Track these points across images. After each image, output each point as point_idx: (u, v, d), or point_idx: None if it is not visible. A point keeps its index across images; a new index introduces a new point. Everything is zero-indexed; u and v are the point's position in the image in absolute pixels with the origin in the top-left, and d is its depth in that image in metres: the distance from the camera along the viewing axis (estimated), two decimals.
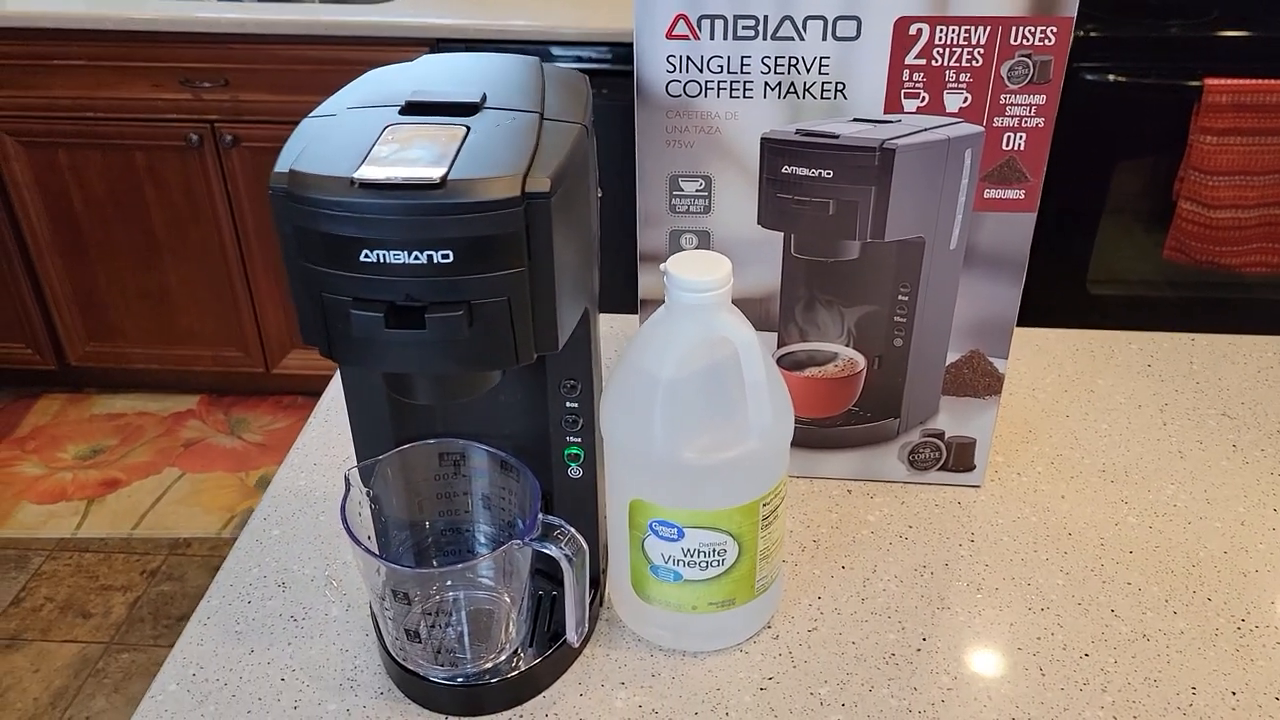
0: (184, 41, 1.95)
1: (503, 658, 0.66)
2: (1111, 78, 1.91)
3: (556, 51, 1.91)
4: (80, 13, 1.93)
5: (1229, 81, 1.84)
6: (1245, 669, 0.68)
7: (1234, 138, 1.88)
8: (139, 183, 2.11)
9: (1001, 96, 0.69)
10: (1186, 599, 0.73)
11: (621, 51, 1.90)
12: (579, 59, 1.91)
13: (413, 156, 0.51)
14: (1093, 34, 1.89)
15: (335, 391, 0.95)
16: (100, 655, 1.82)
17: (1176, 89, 1.91)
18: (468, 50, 1.36)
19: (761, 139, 0.71)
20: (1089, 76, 1.91)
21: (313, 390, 2.39)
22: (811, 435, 0.83)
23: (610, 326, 1.03)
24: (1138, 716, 0.64)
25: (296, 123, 0.56)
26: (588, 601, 0.65)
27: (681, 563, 0.66)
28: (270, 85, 1.98)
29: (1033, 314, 2.21)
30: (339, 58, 1.94)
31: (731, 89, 0.70)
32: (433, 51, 1.89)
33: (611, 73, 1.91)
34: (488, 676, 0.66)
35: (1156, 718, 0.64)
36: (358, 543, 0.60)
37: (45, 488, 2.20)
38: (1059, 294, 2.12)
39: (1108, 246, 2.08)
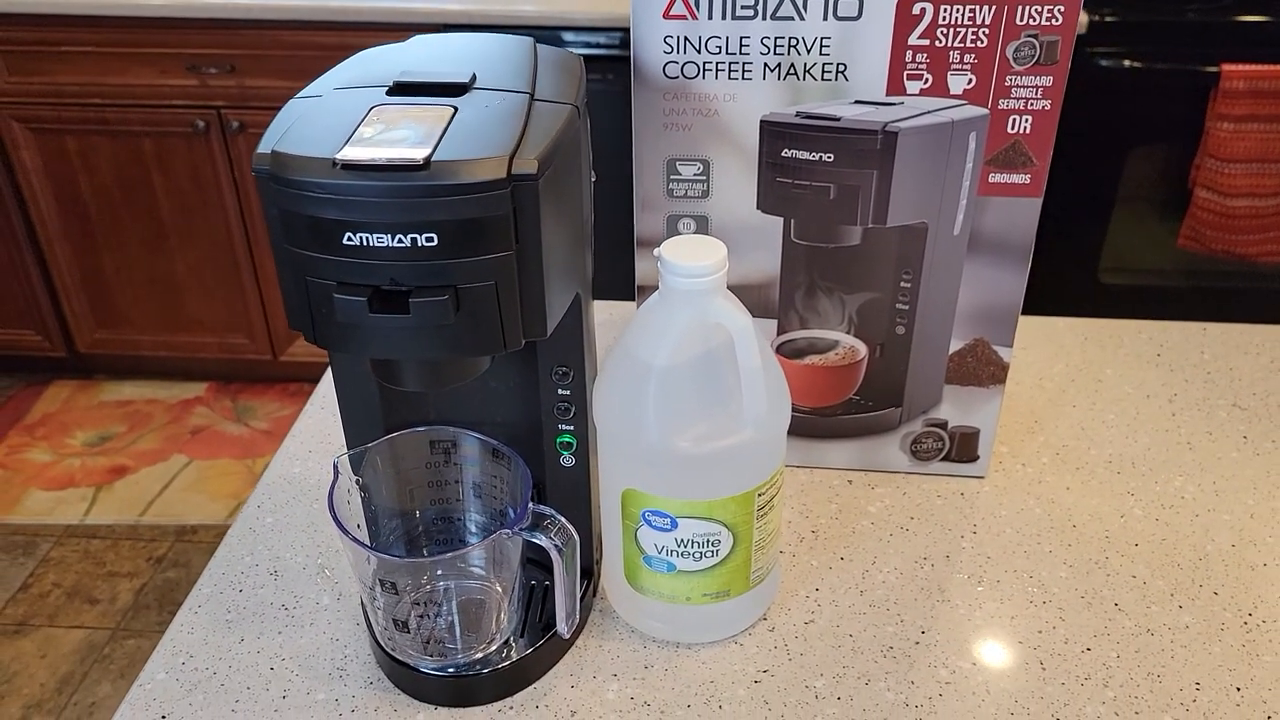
0: (191, 27, 1.94)
1: (493, 648, 0.65)
2: (1127, 63, 1.89)
3: (567, 37, 1.89)
4: None
5: (1246, 67, 1.82)
6: (1251, 665, 0.66)
7: (1251, 124, 1.85)
8: (146, 169, 2.11)
9: (1007, 78, 0.67)
10: (1193, 593, 0.72)
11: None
12: (589, 44, 1.89)
13: (397, 137, 0.50)
14: (1108, 19, 1.86)
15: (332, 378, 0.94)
16: (106, 641, 1.82)
17: (1193, 75, 1.88)
18: None
19: (761, 121, 0.70)
20: (1104, 62, 1.88)
21: (320, 378, 2.39)
22: (812, 424, 0.82)
23: (610, 314, 1.02)
24: (1140, 712, 0.63)
25: None
26: (579, 592, 0.64)
27: (675, 553, 0.64)
28: (277, 71, 1.97)
29: (1042, 303, 2.18)
30: (345, 43, 1.93)
31: (730, 70, 0.68)
32: None
33: (621, 59, 1.90)
34: (478, 667, 0.65)
35: (1159, 714, 0.63)
36: (345, 531, 0.59)
37: (54, 474, 2.20)
38: (1069, 283, 2.10)
39: (1120, 235, 2.06)
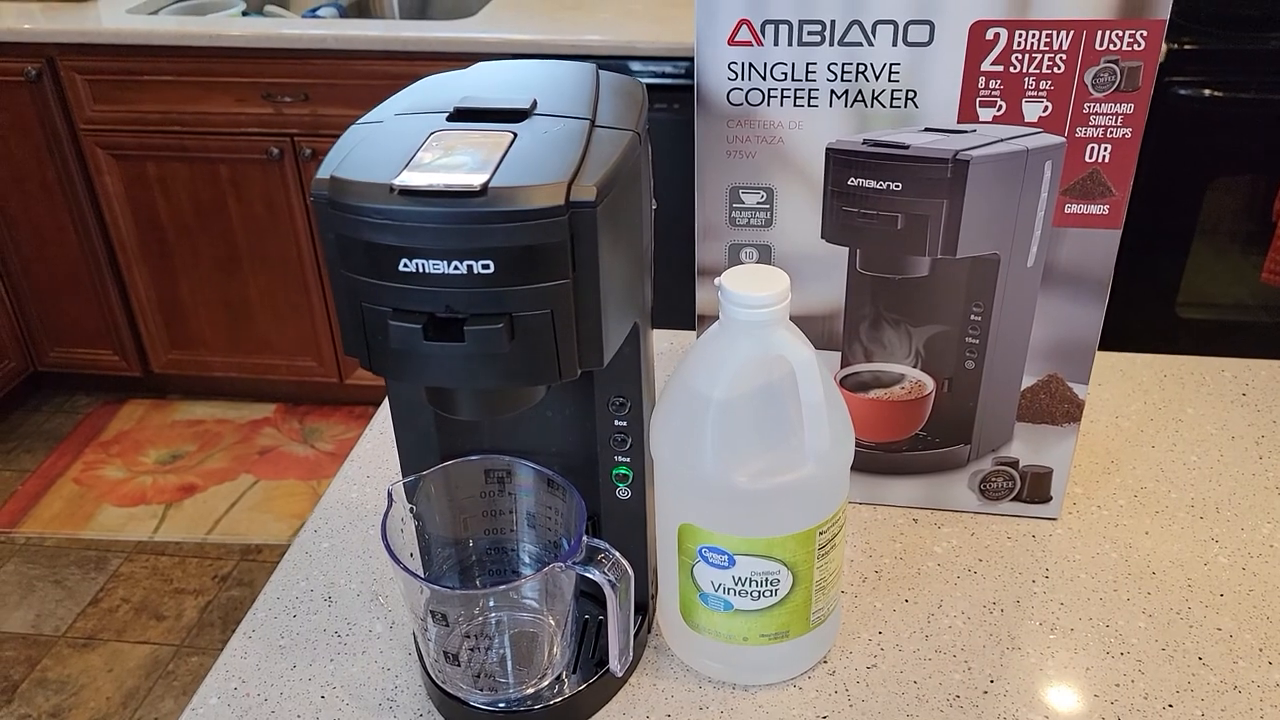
0: (266, 57, 1.99)
1: (545, 683, 0.64)
2: (1207, 92, 1.83)
3: (635, 66, 1.90)
4: (169, 30, 1.98)
5: None
6: None
7: None
8: (222, 195, 2.16)
9: (1085, 105, 0.64)
10: None
11: None
12: (655, 74, 1.90)
13: (456, 163, 0.49)
14: (1187, 46, 1.81)
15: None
16: (171, 657, 1.85)
17: (1275, 104, 1.82)
18: None
19: (827, 149, 0.68)
20: (1182, 91, 1.83)
21: (382, 402, 2.41)
22: (876, 460, 0.79)
23: (671, 343, 1.00)
24: None
25: None
26: (633, 629, 0.63)
27: (732, 591, 0.63)
28: (348, 100, 2.00)
29: (1117, 337, 2.13)
30: (414, 72, 1.96)
31: (796, 97, 0.67)
32: None
33: (686, 88, 1.90)
34: (529, 703, 0.63)
35: None
36: (397, 561, 0.58)
37: (126, 491, 2.25)
38: (1146, 317, 2.04)
39: (1200, 268, 1.99)
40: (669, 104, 1.89)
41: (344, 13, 2.31)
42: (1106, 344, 0.78)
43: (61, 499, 2.23)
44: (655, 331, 0.99)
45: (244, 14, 2.24)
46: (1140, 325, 2.04)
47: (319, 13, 2.25)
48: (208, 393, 2.52)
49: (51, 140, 2.13)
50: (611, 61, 1.89)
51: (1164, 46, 1.80)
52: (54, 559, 2.07)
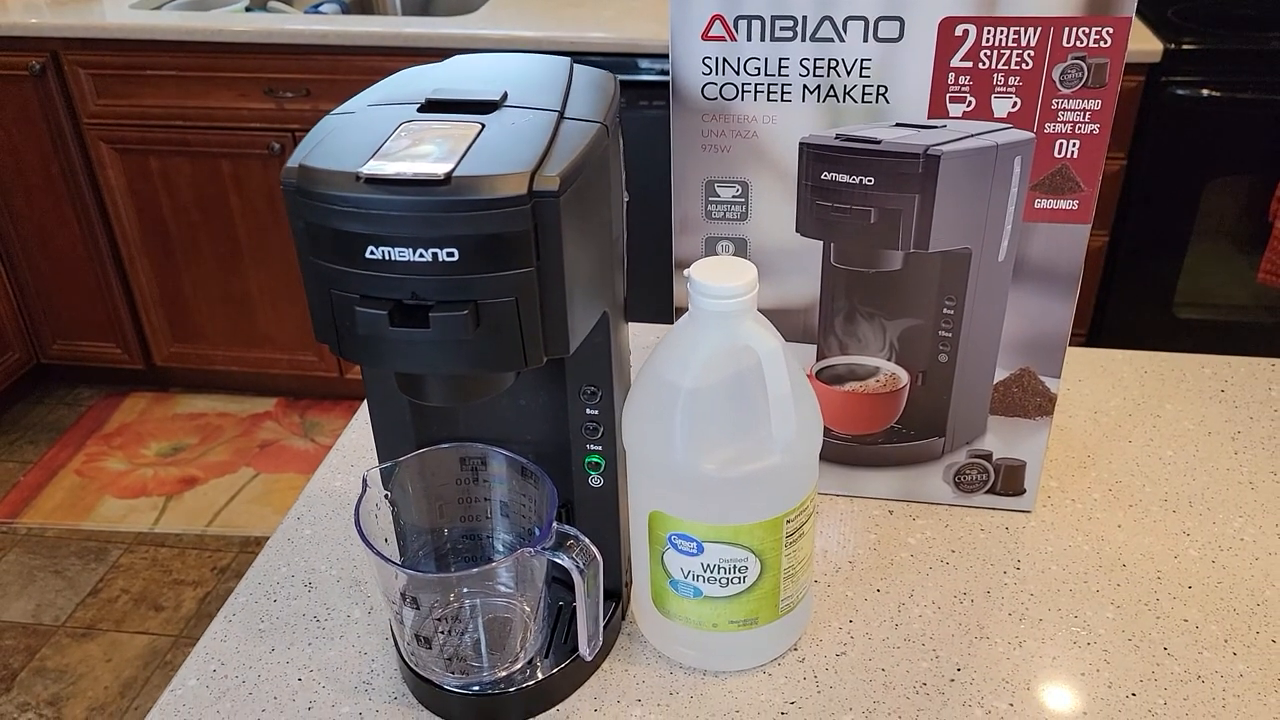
0: (268, 53, 2.00)
1: (517, 667, 0.65)
2: (1205, 92, 1.84)
3: (644, 64, 1.90)
4: (172, 24, 2.00)
5: None
6: None
7: None
8: (224, 190, 2.17)
9: (1053, 101, 0.65)
10: (1248, 640, 0.68)
11: None
12: (656, 71, 1.90)
13: (422, 152, 0.50)
14: (1185, 46, 1.81)
15: None
16: (169, 648, 1.86)
17: (1273, 104, 1.82)
18: None
19: (800, 144, 0.69)
20: (1180, 91, 1.84)
21: None
22: (852, 452, 0.80)
23: (656, 337, 1.01)
24: None
25: None
26: (604, 615, 0.64)
27: (701, 578, 0.64)
28: (349, 95, 2.01)
29: (1114, 337, 2.12)
30: None
31: (769, 92, 0.68)
32: None
33: None
34: (502, 686, 0.64)
35: None
36: (368, 544, 0.59)
37: (127, 483, 2.27)
38: (1143, 317, 2.04)
39: (1197, 269, 1.99)
40: (667, 101, 1.89)
41: (346, 9, 2.32)
42: (1104, 344, 0.79)
43: (63, 490, 2.25)
44: (639, 325, 1.00)
45: (247, 9, 2.26)
46: (1137, 326, 2.04)
47: (321, 9, 2.26)
48: (209, 386, 2.53)
49: (55, 134, 2.14)
50: (613, 59, 1.90)
51: (1160, 46, 1.80)
52: (54, 549, 2.09)
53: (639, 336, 0.99)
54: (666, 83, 1.89)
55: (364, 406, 0.94)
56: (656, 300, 0.82)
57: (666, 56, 1.88)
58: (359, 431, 0.91)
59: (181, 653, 1.85)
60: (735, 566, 0.63)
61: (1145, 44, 1.81)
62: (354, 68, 1.99)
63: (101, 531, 2.13)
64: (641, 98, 1.90)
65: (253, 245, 2.24)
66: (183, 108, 2.09)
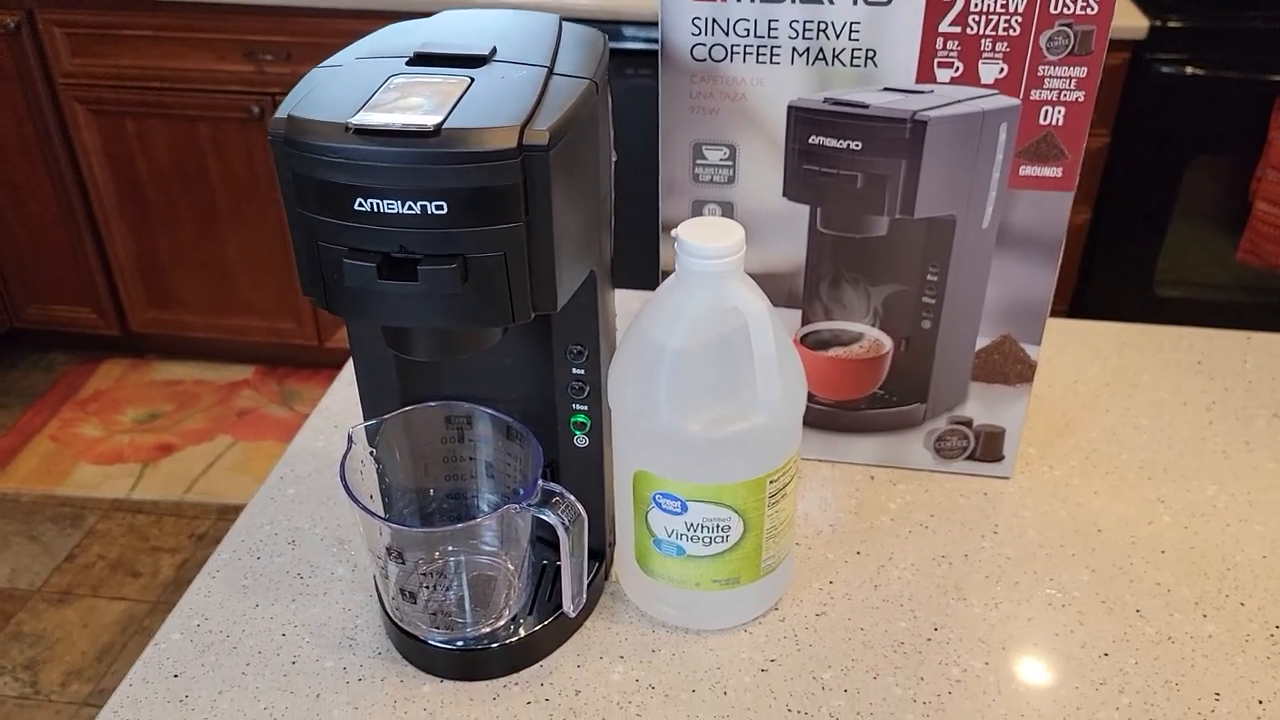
0: (248, 14, 1.97)
1: (500, 623, 0.66)
2: (1189, 70, 1.84)
3: (628, 31, 1.89)
4: None
5: None
6: (1275, 678, 0.64)
7: None
8: (202, 153, 2.15)
9: (1040, 68, 0.66)
10: (1218, 603, 0.69)
11: None
12: (645, 39, 1.89)
13: (411, 105, 0.50)
14: (1170, 24, 1.82)
15: None
16: (146, 614, 1.86)
17: (1257, 84, 1.84)
18: None
19: (789, 107, 0.69)
20: (1165, 69, 1.84)
21: None
22: (835, 418, 0.81)
23: (639, 302, 1.01)
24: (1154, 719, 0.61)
25: None
26: (586, 572, 0.64)
27: (684, 537, 0.64)
28: None
29: (1096, 314, 2.14)
30: None
31: (758, 54, 0.68)
32: None
33: None
34: (485, 641, 0.65)
35: None
36: (354, 499, 0.59)
37: (103, 449, 2.26)
38: (1124, 294, 2.06)
39: (1178, 247, 2.01)
40: (659, 63, 1.89)
41: None
42: (1084, 319, 0.80)
43: (38, 455, 2.23)
44: (626, 291, 1.00)
45: None
46: (1119, 303, 2.06)
47: None
48: (186, 353, 2.51)
49: (29, 94, 2.11)
50: (603, 25, 1.88)
51: (1146, 23, 1.81)
52: (30, 515, 2.08)
53: (624, 303, 0.99)
54: (652, 51, 1.88)
55: (345, 370, 0.94)
56: (644, 266, 0.82)
57: (653, 24, 1.87)
58: (342, 393, 0.91)
59: (159, 619, 1.84)
60: (718, 526, 0.63)
61: (1131, 20, 1.82)
62: (336, 30, 1.97)
63: (77, 498, 2.12)
64: (627, 65, 1.89)
65: (231, 210, 2.21)
66: (159, 69, 2.06)
